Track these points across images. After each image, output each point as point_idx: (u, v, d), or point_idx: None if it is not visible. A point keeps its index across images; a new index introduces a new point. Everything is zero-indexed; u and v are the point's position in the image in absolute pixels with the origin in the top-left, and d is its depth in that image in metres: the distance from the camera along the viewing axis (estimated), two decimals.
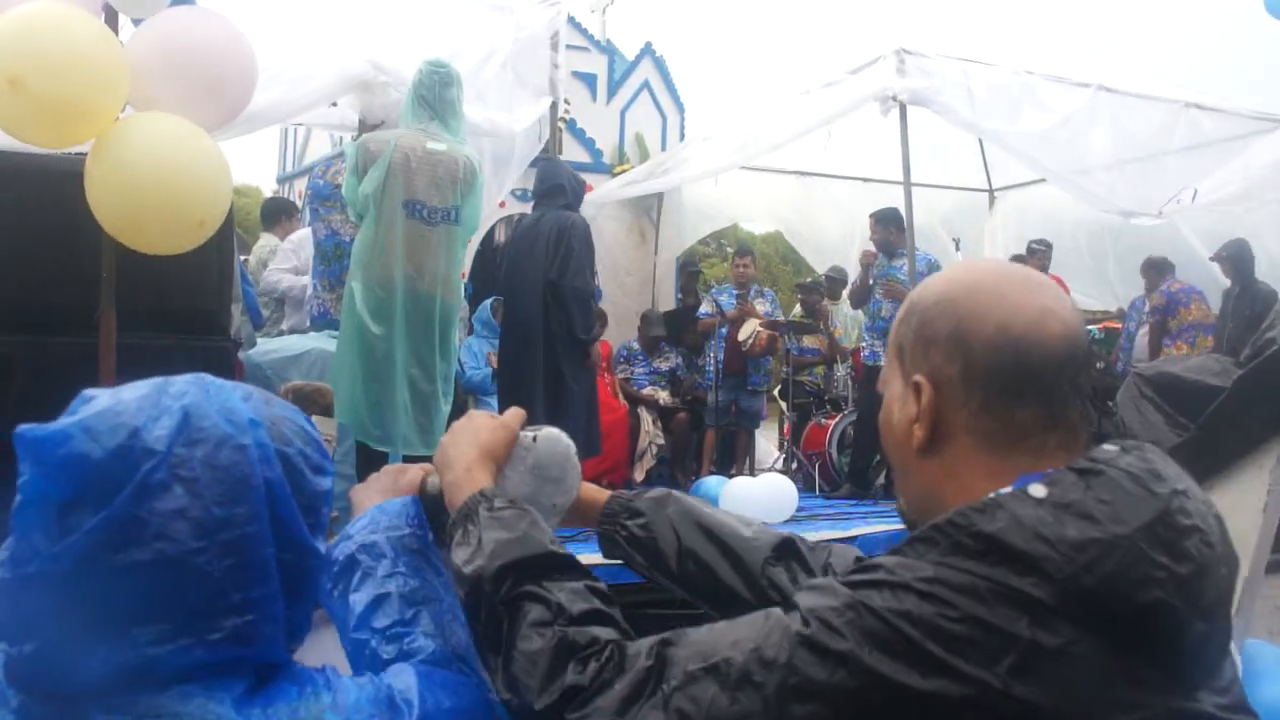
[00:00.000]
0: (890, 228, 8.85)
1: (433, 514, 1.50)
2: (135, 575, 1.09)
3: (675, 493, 1.67)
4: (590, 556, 4.41)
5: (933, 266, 8.59)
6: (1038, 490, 1.12)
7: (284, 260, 7.72)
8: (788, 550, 1.60)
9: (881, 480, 8.41)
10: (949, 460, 1.25)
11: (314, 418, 3.24)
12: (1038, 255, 9.94)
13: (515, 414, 1.55)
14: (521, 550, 1.29)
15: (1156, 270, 9.84)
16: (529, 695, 1.19)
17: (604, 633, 1.20)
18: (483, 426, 1.51)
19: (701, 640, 1.16)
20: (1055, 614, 1.04)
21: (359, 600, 1.40)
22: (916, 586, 1.08)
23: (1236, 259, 9.10)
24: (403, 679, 1.26)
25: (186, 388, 1.19)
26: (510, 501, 1.38)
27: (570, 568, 1.30)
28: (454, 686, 1.30)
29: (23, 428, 1.11)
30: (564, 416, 5.91)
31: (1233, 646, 1.21)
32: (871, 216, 9.04)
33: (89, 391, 1.18)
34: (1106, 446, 1.18)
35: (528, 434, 1.52)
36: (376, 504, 1.50)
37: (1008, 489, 1.14)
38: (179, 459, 1.13)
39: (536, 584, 1.26)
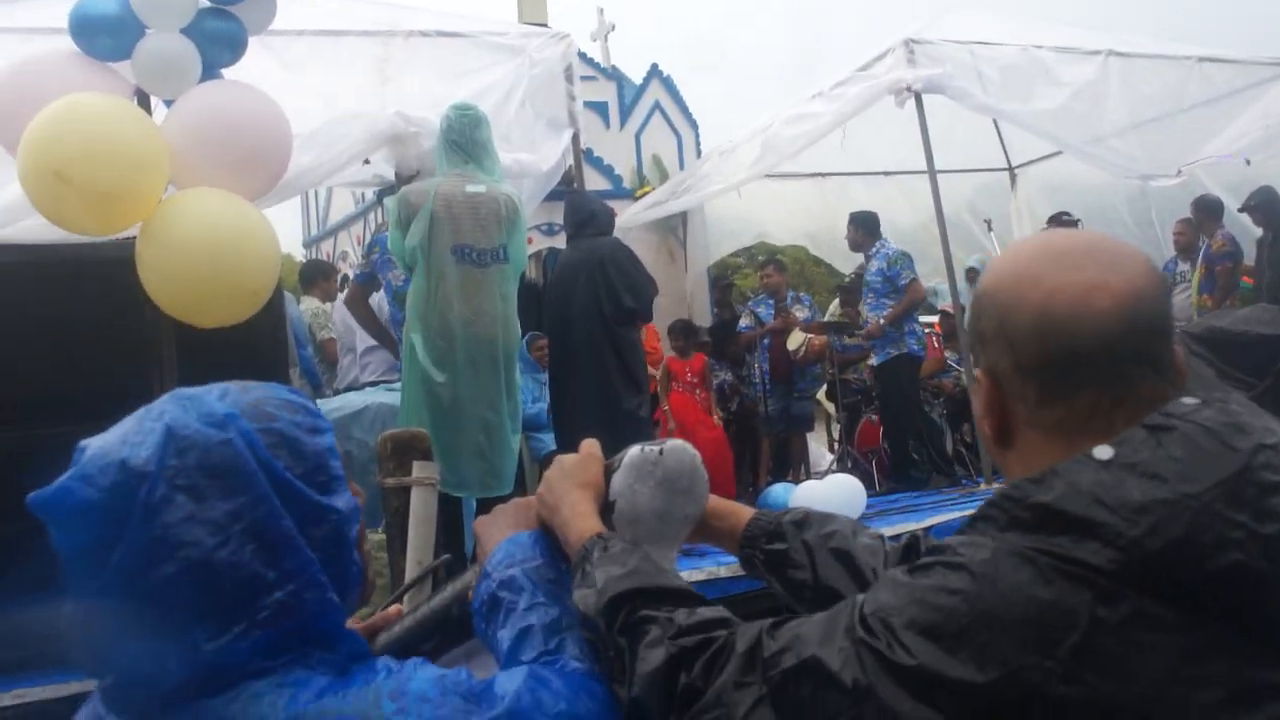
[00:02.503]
0: (860, 229, 8.89)
1: (560, 547, 1.52)
2: (174, 586, 1.15)
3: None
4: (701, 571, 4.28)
5: (894, 260, 8.64)
6: (1103, 452, 1.07)
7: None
8: (912, 555, 1.51)
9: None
10: (1022, 452, 1.20)
11: (417, 462, 3.28)
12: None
13: (589, 442, 1.59)
14: (632, 582, 1.30)
15: (1209, 212, 9.37)
16: (654, 716, 1.20)
17: (716, 632, 1.20)
18: (570, 464, 1.54)
19: (796, 633, 1.14)
20: (1119, 583, 0.99)
21: (505, 636, 1.40)
22: (973, 568, 1.04)
23: (1266, 206, 8.96)
24: (509, 677, 1.26)
25: (164, 406, 1.24)
26: (624, 540, 1.39)
27: (682, 595, 1.29)
28: (574, 694, 1.27)
29: (31, 495, 1.17)
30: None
31: None
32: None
33: (83, 442, 1.23)
34: (1186, 400, 1.11)
35: (653, 448, 1.53)
36: (508, 537, 1.52)
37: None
38: (173, 471, 1.17)
39: (649, 609, 1.26)
